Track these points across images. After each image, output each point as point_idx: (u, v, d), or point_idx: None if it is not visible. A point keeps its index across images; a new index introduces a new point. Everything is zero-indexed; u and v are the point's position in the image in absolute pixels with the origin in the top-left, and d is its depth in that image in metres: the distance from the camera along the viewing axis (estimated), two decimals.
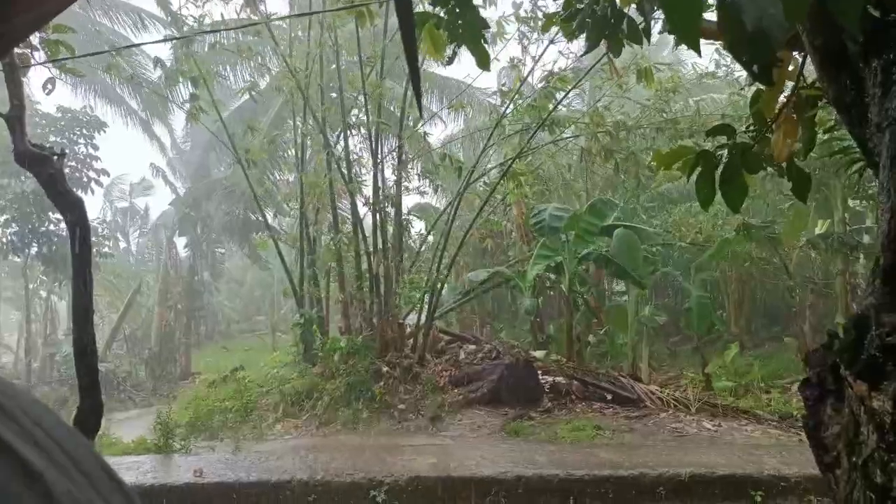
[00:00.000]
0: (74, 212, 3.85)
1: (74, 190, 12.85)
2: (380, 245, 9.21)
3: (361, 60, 8.75)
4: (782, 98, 2.43)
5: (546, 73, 8.67)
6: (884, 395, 1.31)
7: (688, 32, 1.20)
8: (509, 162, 9.11)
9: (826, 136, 3.43)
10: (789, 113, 2.35)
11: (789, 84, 2.48)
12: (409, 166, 9.47)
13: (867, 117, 1.48)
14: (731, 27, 1.02)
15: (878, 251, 1.35)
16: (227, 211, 16.02)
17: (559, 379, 8.70)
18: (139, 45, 9.25)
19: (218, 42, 9.66)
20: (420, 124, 9.68)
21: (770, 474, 5.43)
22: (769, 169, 2.78)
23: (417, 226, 12.42)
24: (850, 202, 9.88)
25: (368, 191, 9.42)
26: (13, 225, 12.40)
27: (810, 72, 2.08)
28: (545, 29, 6.38)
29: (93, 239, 13.42)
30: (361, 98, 8.93)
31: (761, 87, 2.29)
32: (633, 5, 2.75)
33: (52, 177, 3.79)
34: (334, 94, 9.28)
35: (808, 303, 11.72)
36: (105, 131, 13.19)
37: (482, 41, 3.55)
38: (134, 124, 17.91)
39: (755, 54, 1.08)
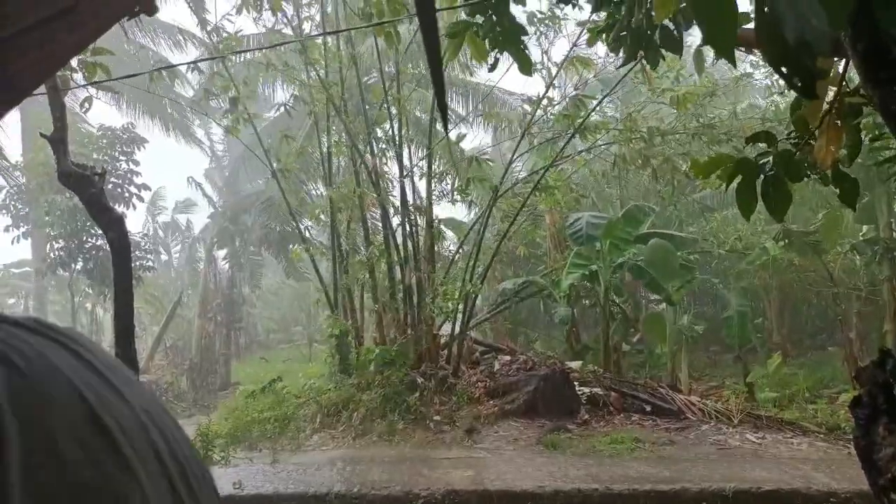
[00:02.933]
0: (115, 229, 3.96)
1: (116, 206, 13.22)
2: (411, 255, 9.25)
3: (383, 72, 8.87)
4: (825, 104, 2.36)
5: (578, 80, 8.63)
6: None
7: (724, 45, 1.17)
8: (542, 171, 9.06)
9: (873, 144, 3.32)
10: (833, 119, 2.28)
11: (832, 90, 2.41)
12: (437, 171, 9.50)
13: None
14: (771, 41, 0.99)
15: None
16: (263, 224, 16.28)
17: (596, 390, 8.57)
18: (175, 66, 9.52)
19: (255, 57, 9.89)
20: (453, 135, 9.72)
21: (818, 490, 5.25)
22: (811, 175, 2.71)
23: (450, 237, 12.43)
24: None
25: (399, 201, 9.50)
26: (60, 241, 12.82)
27: (854, 76, 2.02)
28: (591, 43, 6.38)
29: (135, 253, 13.73)
30: (389, 109, 9.02)
31: None
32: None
33: (94, 195, 3.91)
34: (361, 107, 9.40)
35: (853, 311, 11.34)
36: (145, 147, 13.57)
37: (522, 47, 3.57)
38: (176, 136, 18.42)
39: (797, 68, 1.05)
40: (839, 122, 2.27)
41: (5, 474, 0.25)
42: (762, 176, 2.52)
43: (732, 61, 1.30)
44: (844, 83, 2.21)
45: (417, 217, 9.40)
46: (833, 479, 5.48)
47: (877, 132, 2.89)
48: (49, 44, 0.52)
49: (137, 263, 13.26)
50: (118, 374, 0.34)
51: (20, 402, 0.28)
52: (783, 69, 1.08)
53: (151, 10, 1.90)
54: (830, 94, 2.41)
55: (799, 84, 1.15)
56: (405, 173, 9.30)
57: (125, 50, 12.64)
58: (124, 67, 6.52)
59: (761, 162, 2.51)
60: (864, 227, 9.82)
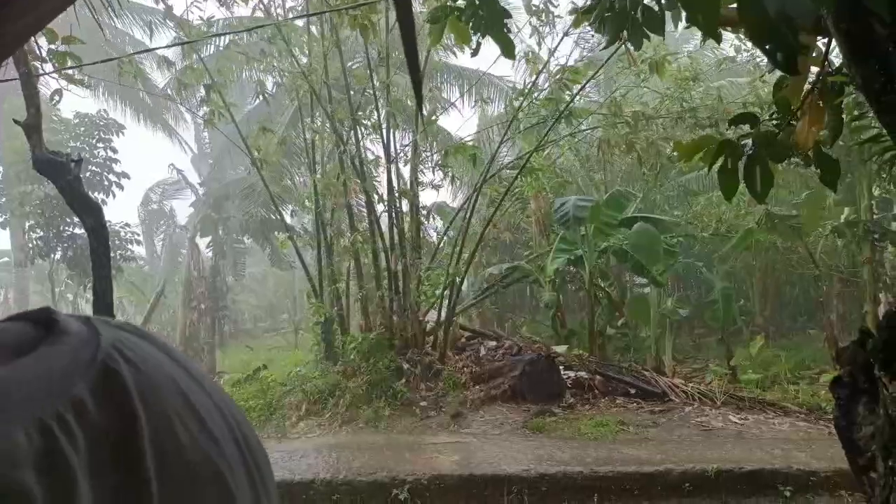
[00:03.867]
0: (93, 217, 3.88)
1: (95, 194, 12.98)
2: (397, 241, 9.20)
3: (368, 57, 8.74)
4: (807, 85, 2.35)
5: (560, 66, 8.58)
6: None
7: (707, 23, 1.15)
8: (526, 156, 9.03)
9: (854, 124, 3.32)
10: (815, 100, 2.27)
11: (814, 70, 2.40)
12: (423, 157, 9.40)
13: None
14: (752, 14, 0.97)
15: None
16: (246, 211, 16.12)
17: (581, 374, 8.63)
18: (148, 50, 9.28)
19: (233, 41, 9.69)
20: (434, 117, 9.61)
21: (799, 469, 5.33)
22: (793, 158, 2.71)
23: (436, 223, 12.39)
24: (876, 190, 9.63)
25: (384, 188, 9.43)
26: (38, 230, 12.61)
27: (837, 57, 2.00)
28: (576, 25, 6.33)
29: (116, 242, 13.52)
30: (372, 94, 8.92)
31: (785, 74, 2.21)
32: None
33: (70, 183, 3.81)
34: (344, 93, 9.28)
35: (835, 292, 11.50)
36: (123, 133, 13.33)
37: (505, 30, 3.53)
38: (154, 126, 18.15)
39: (779, 42, 1.02)
40: (821, 102, 2.26)
41: (142, 453, 0.31)
42: (745, 158, 2.52)
43: (717, 38, 1.28)
44: (826, 63, 2.20)
45: (403, 203, 9.34)
46: (814, 458, 5.57)
47: (857, 112, 2.90)
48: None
49: (118, 253, 13.07)
50: (194, 368, 0.40)
51: (143, 392, 0.33)
52: (765, 45, 1.06)
53: None
54: (812, 75, 2.40)
55: (780, 59, 1.13)
56: (391, 159, 9.22)
57: (99, 35, 12.39)
58: (98, 53, 6.37)
59: (743, 143, 2.50)
60: (846, 210, 9.91)
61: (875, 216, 9.61)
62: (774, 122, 2.60)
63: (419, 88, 0.90)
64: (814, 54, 2.21)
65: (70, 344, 0.34)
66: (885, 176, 7.84)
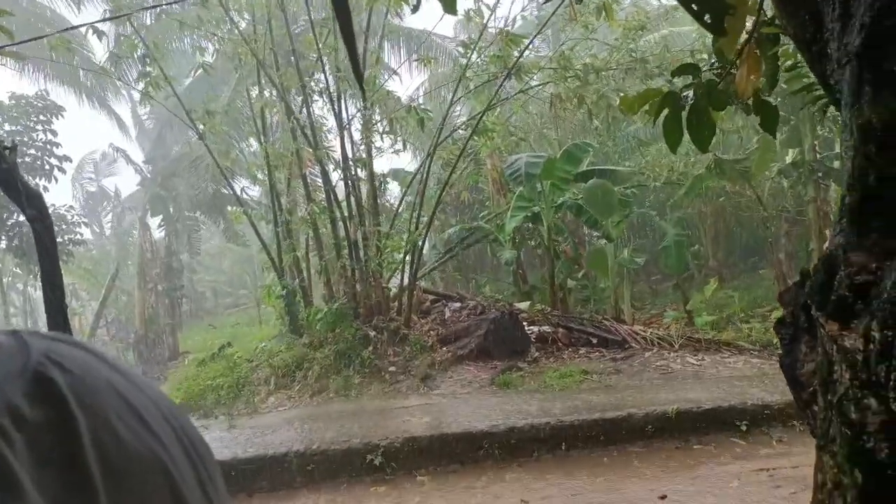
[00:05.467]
0: (34, 206, 3.73)
1: (37, 179, 12.41)
2: (354, 210, 9.11)
3: (312, 21, 8.48)
4: (744, 34, 2.38)
5: (500, 30, 8.46)
6: (855, 333, 1.32)
7: None
8: (478, 116, 8.97)
9: (787, 75, 3.40)
10: (752, 49, 2.31)
11: (751, 18, 2.43)
12: (375, 123, 9.25)
13: (827, 53, 1.45)
14: None
15: (843, 190, 1.34)
16: (196, 186, 15.68)
17: (545, 328, 8.81)
18: (82, 26, 8.79)
19: (164, 14, 9.26)
20: (381, 83, 9.43)
21: (754, 404, 5.59)
22: (734, 104, 2.76)
23: (394, 189, 12.30)
24: (820, 130, 9.92)
25: (338, 155, 9.27)
26: None
27: (771, 8, 2.03)
28: None
29: (62, 226, 13.01)
30: (321, 59, 8.67)
31: None
32: None
33: (5, 173, 3.64)
34: (292, 59, 9.00)
35: (783, 232, 11.92)
36: (63, 115, 12.73)
37: None
38: (91, 104, 17.32)
39: (705, 4, 1.03)
40: (758, 51, 2.30)
41: (81, 447, 0.33)
42: (687, 108, 2.56)
43: None
44: (761, 13, 2.23)
45: (358, 170, 9.21)
46: (767, 392, 5.85)
47: (792, 61, 2.96)
48: None
49: (66, 238, 12.64)
50: (134, 374, 0.42)
51: (79, 395, 0.35)
52: (692, 6, 1.07)
53: None
54: (749, 24, 2.43)
55: (708, 20, 1.14)
56: (343, 125, 9.04)
57: (24, 9, 11.69)
58: (22, 30, 6.01)
59: (685, 94, 2.54)
60: (791, 151, 10.21)
61: (819, 156, 9.93)
62: (715, 71, 2.64)
63: (361, 82, 0.89)
64: (749, 3, 2.23)
65: None
66: (819, 119, 8.07)
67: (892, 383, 1.22)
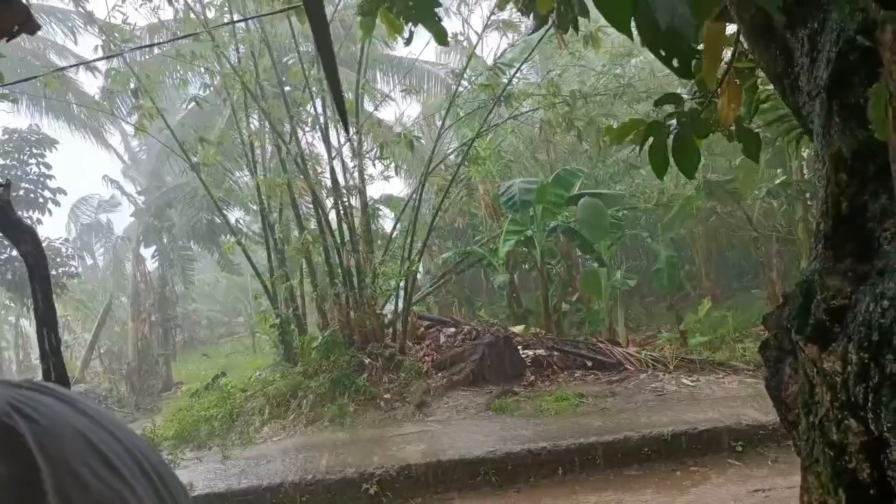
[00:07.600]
0: (28, 242, 3.73)
1: (31, 212, 12.37)
2: (347, 237, 9.15)
3: (300, 53, 8.61)
4: (724, 64, 2.46)
5: (491, 59, 8.64)
6: (833, 356, 1.36)
7: (620, 22, 1.21)
8: (469, 143, 9.08)
9: (763, 106, 3.49)
10: (731, 79, 2.38)
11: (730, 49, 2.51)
12: (366, 149, 9.34)
13: (798, 86, 1.51)
14: (646, 26, 1.03)
15: (817, 217, 1.39)
16: (190, 217, 15.69)
17: (540, 351, 8.81)
18: (74, 66, 8.90)
19: (160, 50, 9.39)
20: (370, 113, 9.55)
21: (749, 424, 5.61)
22: (717, 132, 2.83)
23: (387, 215, 12.35)
24: (805, 151, 10.07)
25: (330, 183, 9.32)
26: None
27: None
28: (501, 7, 6.33)
29: (57, 259, 12.93)
30: (310, 89, 8.79)
31: None
32: None
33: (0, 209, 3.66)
34: (286, 89, 9.12)
35: (774, 251, 12.00)
36: (56, 148, 12.77)
37: (436, 18, 3.54)
38: (85, 136, 17.39)
39: (672, 51, 1.09)
40: (738, 81, 2.37)
41: (42, 490, 0.33)
42: (671, 136, 2.62)
43: (630, 35, 1.34)
44: (739, 45, 2.31)
45: (350, 198, 9.28)
46: (761, 412, 5.85)
47: (768, 94, 3.04)
48: None
49: (60, 270, 12.59)
50: (104, 417, 0.43)
51: (43, 445, 0.35)
52: (660, 52, 1.12)
53: (33, 28, 1.77)
54: (728, 54, 2.51)
55: (676, 66, 1.20)
56: (333, 154, 9.13)
57: (22, 48, 11.80)
58: (18, 66, 6.09)
59: (669, 123, 2.61)
60: (780, 171, 10.34)
61: (805, 176, 10.06)
62: (698, 100, 2.71)
63: (345, 117, 0.93)
64: (727, 34, 2.31)
65: None
66: (795, 149, 8.17)
67: (870, 405, 1.25)
